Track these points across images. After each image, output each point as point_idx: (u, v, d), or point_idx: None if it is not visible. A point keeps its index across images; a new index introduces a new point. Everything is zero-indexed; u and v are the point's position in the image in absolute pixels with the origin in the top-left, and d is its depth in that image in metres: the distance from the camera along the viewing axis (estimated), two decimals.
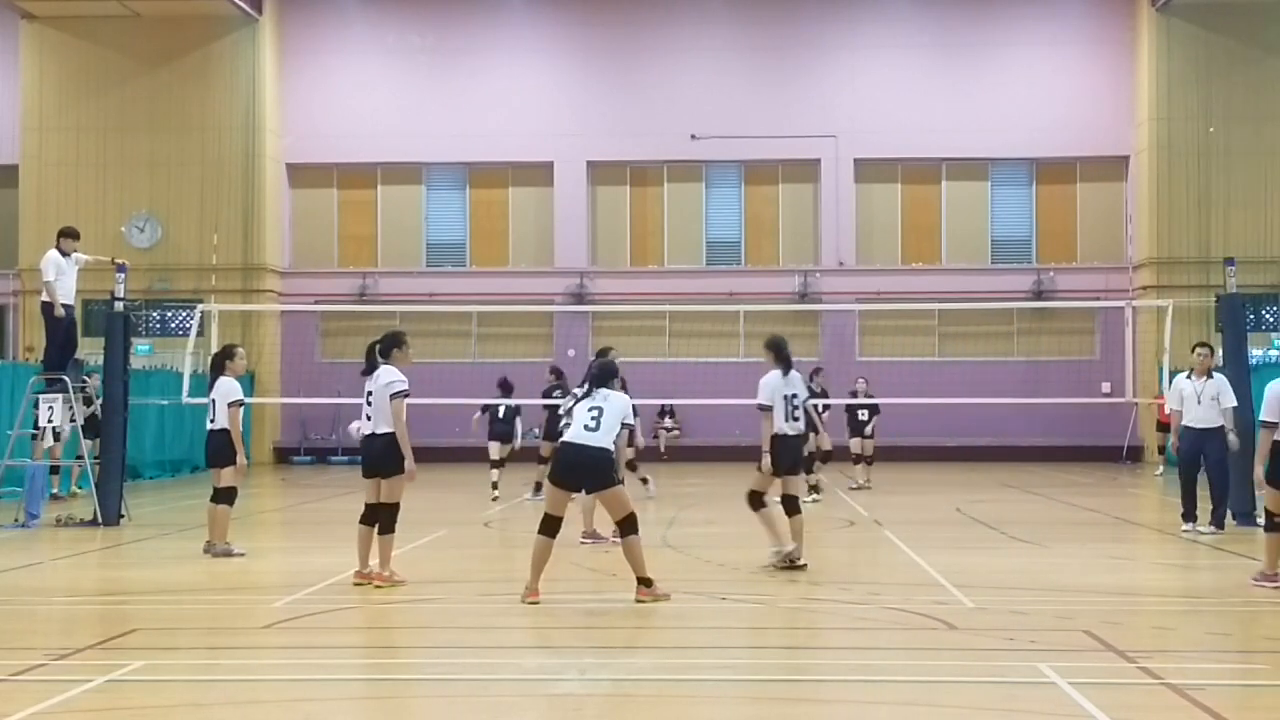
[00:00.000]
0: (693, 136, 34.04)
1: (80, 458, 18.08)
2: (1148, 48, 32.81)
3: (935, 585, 11.21)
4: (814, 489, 19.72)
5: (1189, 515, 15.28)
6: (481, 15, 34.73)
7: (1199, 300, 29.61)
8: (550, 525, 10.49)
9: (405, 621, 9.98)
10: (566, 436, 10.68)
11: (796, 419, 12.12)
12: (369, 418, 11.33)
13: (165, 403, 26.04)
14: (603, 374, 10.87)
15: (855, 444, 22.84)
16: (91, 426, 18.31)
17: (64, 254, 17.19)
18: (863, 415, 22.84)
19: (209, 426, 13.20)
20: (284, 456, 33.35)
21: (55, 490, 19.82)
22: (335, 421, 31.59)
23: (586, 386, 11.01)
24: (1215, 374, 15.34)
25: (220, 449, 13.07)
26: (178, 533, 14.53)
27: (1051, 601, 10.60)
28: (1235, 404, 15.06)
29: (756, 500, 12.28)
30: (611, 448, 10.52)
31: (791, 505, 12.22)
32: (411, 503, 12.60)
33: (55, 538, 15.42)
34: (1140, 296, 31.26)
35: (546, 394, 20.30)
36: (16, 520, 16.38)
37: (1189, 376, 15.17)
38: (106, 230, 32.49)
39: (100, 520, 16.39)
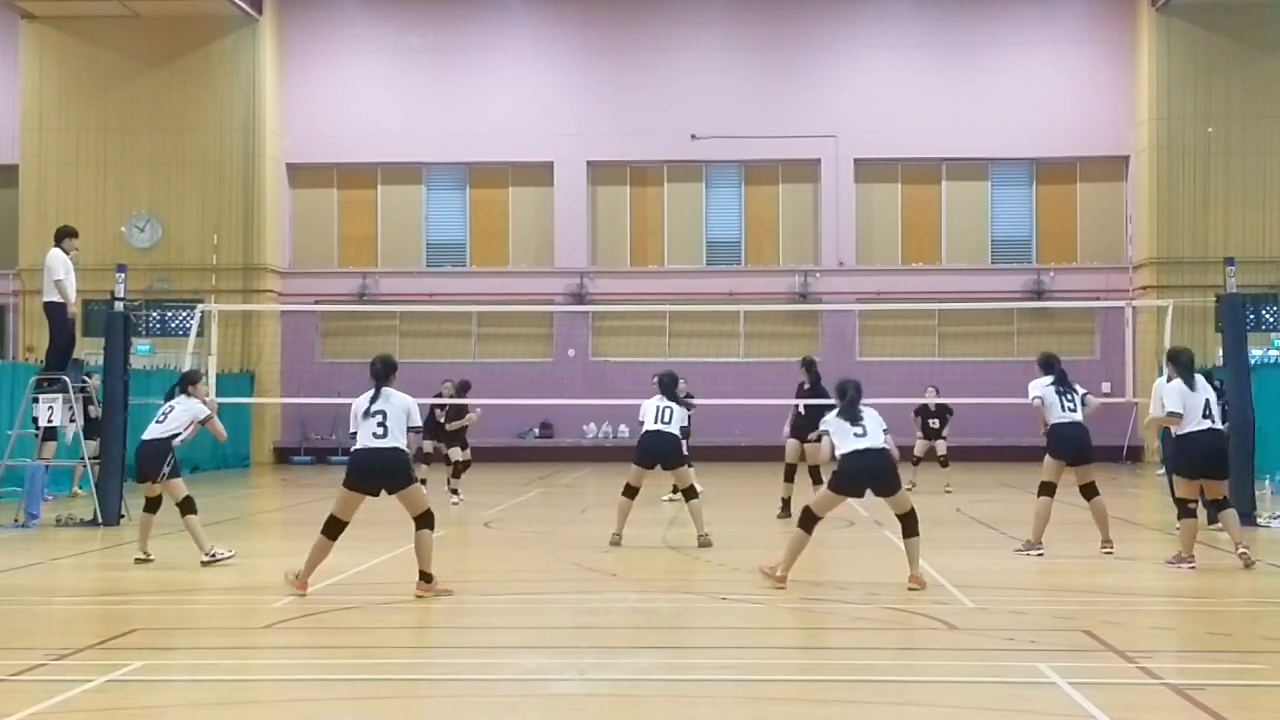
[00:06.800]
0: (693, 136, 34.05)
1: (81, 457, 18.07)
2: (1148, 48, 32.82)
3: (935, 585, 11.21)
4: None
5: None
6: (481, 15, 34.73)
7: (1199, 300, 29.63)
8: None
9: (405, 621, 9.97)
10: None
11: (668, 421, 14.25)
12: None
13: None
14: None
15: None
16: (92, 427, 18.31)
17: (65, 253, 17.23)
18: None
19: None
20: (284, 456, 33.36)
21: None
22: (335, 421, 31.58)
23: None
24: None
25: None
26: (178, 533, 14.51)
27: (1051, 601, 10.61)
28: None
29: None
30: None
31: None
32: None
33: (55, 538, 15.41)
34: (1140, 296, 31.27)
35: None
36: (16, 520, 16.39)
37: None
38: (106, 230, 32.54)
39: (100, 520, 16.40)
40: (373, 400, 10.78)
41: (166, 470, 12.84)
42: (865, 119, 33.84)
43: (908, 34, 34.35)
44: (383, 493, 10.79)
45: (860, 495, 11.36)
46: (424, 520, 10.81)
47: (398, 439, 10.72)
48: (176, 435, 12.96)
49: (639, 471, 14.21)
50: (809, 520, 11.21)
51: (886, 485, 11.10)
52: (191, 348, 22.24)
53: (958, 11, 34.36)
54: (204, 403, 13.35)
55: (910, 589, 10.80)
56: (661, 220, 34.83)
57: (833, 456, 11.20)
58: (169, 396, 13.38)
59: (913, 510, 11.20)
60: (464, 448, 20.31)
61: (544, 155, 34.40)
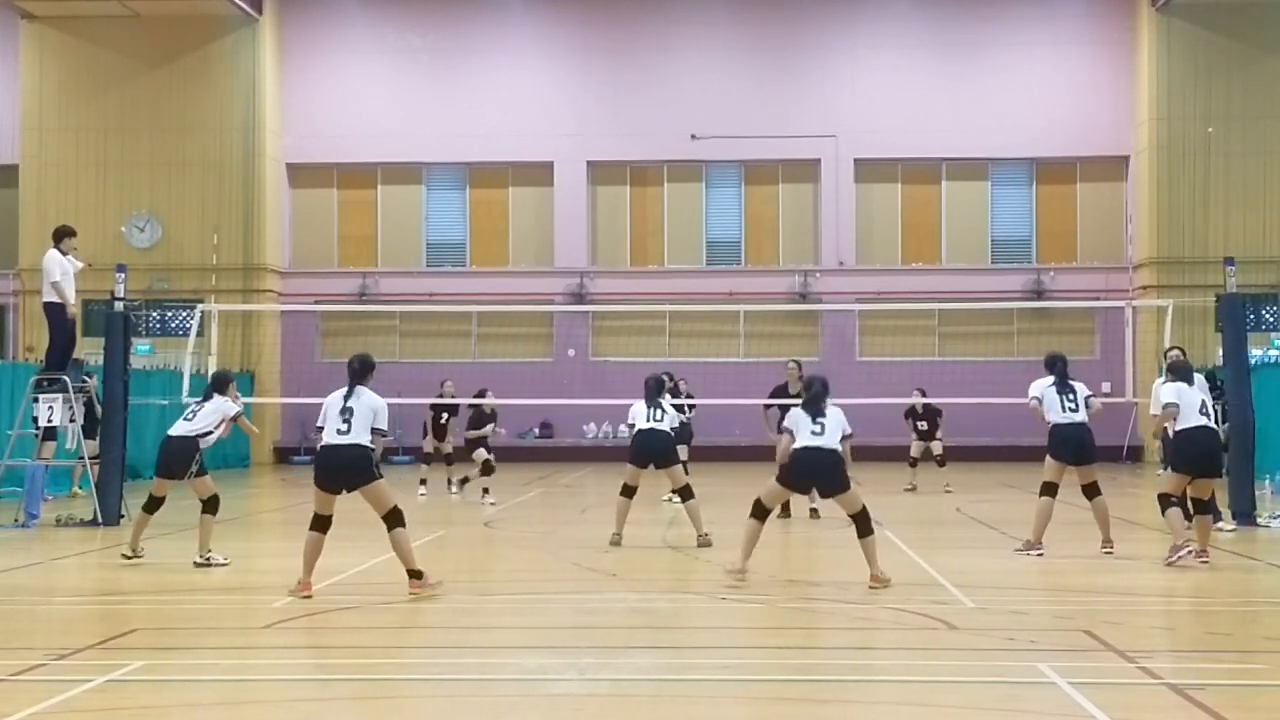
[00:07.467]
0: (693, 136, 34.06)
1: (81, 458, 18.07)
2: (1148, 48, 32.82)
3: (935, 585, 11.21)
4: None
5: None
6: (481, 15, 34.74)
7: (1199, 300, 29.62)
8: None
9: (405, 621, 9.97)
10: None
11: (658, 420, 14.27)
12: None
13: (165, 403, 26.01)
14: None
15: None
16: (92, 427, 18.29)
17: (63, 254, 17.22)
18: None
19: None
20: (284, 456, 33.35)
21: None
22: None
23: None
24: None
25: None
26: (177, 532, 14.52)
27: (1051, 601, 10.61)
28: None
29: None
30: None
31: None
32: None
33: (55, 538, 15.41)
34: (1140, 296, 31.27)
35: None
36: (16, 520, 16.38)
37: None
38: (106, 230, 32.54)
39: (100, 520, 16.39)
40: (345, 397, 10.79)
41: (195, 468, 12.85)
42: (865, 119, 33.84)
43: (908, 34, 34.35)
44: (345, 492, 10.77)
45: (806, 491, 12.14)
46: (393, 519, 10.74)
47: (360, 436, 10.67)
48: (207, 434, 12.92)
49: (634, 470, 14.34)
50: (760, 511, 11.51)
51: (831, 484, 11.31)
52: (191, 348, 22.27)
53: (958, 11, 34.36)
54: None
55: (871, 588, 10.90)
56: (661, 220, 34.83)
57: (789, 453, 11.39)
58: (206, 398, 13.27)
59: (864, 510, 11.31)
60: (488, 449, 20.33)
61: (544, 155, 34.40)
